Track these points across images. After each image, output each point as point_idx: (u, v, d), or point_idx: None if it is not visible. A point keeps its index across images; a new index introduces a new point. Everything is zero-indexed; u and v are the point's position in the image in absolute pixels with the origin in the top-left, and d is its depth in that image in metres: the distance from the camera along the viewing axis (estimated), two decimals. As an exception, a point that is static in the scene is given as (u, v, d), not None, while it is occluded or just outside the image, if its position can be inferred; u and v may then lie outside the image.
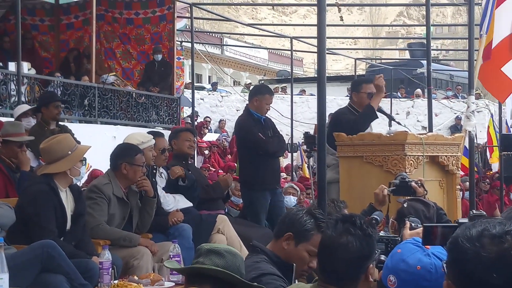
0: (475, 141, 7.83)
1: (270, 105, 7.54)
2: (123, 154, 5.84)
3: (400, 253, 2.66)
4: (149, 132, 6.93)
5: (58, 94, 10.19)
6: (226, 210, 7.95)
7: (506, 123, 13.23)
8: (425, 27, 9.40)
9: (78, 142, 6.23)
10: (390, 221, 4.30)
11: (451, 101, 24.17)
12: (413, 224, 3.73)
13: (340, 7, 13.17)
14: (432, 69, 9.43)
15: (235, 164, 14.74)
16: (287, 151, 14.88)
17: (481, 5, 11.67)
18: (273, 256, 3.71)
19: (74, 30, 13.75)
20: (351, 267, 2.98)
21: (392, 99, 23.24)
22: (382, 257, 3.20)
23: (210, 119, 20.52)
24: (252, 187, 7.40)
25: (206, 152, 15.23)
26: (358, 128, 6.41)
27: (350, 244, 2.97)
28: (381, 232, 3.74)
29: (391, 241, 3.46)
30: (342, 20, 13.53)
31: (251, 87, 12.47)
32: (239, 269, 2.99)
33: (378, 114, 6.96)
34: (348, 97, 7.06)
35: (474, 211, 2.93)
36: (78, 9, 13.59)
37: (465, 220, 2.90)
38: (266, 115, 7.56)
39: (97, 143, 8.43)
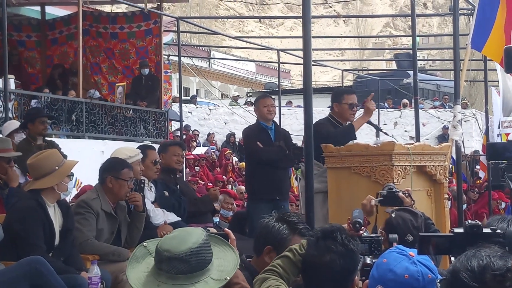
0: (462, 150, 7.86)
1: (271, 106, 7.41)
2: (110, 167, 5.82)
3: (386, 263, 2.66)
4: (140, 146, 6.91)
5: (44, 109, 10.14)
6: (217, 223, 7.95)
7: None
8: (411, 38, 9.44)
9: (66, 157, 6.21)
10: (379, 232, 4.30)
11: (438, 111, 24.29)
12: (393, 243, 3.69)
13: (325, 18, 13.17)
14: (419, 79, 9.47)
15: (224, 177, 14.79)
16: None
17: (466, 15, 11.78)
18: (255, 273, 3.67)
19: (58, 45, 13.70)
20: (337, 284, 2.97)
21: (380, 109, 23.33)
22: (368, 260, 3.18)
23: (198, 133, 20.49)
24: (250, 197, 7.45)
25: (197, 169, 15.21)
26: (334, 142, 6.24)
27: (333, 262, 2.95)
28: (364, 233, 3.71)
29: (374, 241, 3.45)
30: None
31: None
32: (205, 261, 2.81)
33: (366, 125, 6.96)
34: (330, 108, 6.96)
35: (470, 221, 2.93)
36: (63, 24, 13.55)
37: (461, 229, 2.91)
38: (281, 126, 7.63)
39: (85, 158, 8.41)
